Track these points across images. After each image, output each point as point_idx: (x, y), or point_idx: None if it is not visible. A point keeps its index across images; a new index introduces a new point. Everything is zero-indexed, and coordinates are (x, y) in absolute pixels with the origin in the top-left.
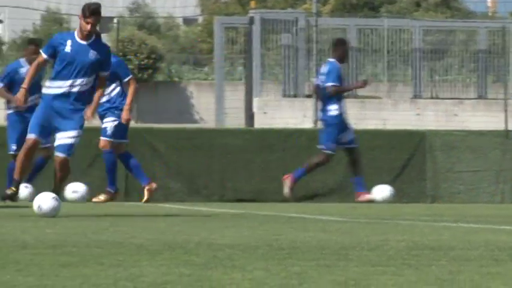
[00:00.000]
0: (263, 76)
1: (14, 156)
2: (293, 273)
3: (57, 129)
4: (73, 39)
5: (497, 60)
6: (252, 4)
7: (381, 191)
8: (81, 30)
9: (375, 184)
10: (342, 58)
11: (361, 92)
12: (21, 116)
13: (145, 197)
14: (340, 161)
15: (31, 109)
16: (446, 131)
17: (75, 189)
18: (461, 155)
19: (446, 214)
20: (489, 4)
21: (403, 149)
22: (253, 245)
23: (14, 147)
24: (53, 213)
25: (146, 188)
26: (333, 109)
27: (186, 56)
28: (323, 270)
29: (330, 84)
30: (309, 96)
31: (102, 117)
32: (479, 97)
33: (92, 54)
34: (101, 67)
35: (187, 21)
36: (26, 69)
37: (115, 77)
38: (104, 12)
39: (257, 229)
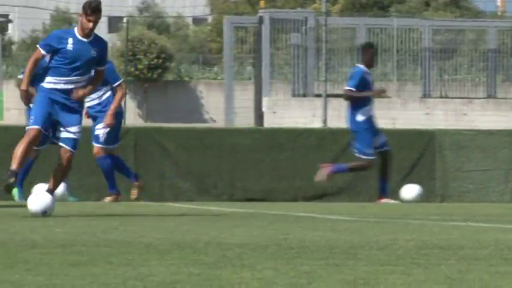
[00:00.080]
0: (272, 76)
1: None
2: (302, 272)
3: (61, 124)
4: (74, 36)
5: (507, 60)
6: (262, 4)
7: (410, 191)
8: (82, 27)
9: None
10: (369, 63)
11: None
12: None
13: (134, 195)
14: (350, 160)
15: None
16: (456, 131)
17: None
18: (470, 154)
19: (456, 213)
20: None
21: (413, 148)
22: (262, 244)
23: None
24: (46, 212)
25: (136, 184)
26: (360, 114)
27: (196, 56)
28: (332, 270)
29: (346, 88)
30: (318, 95)
31: (93, 119)
32: (489, 96)
33: (94, 52)
34: (99, 63)
35: (197, 20)
36: None
37: (106, 81)
38: (114, 12)
39: (266, 228)
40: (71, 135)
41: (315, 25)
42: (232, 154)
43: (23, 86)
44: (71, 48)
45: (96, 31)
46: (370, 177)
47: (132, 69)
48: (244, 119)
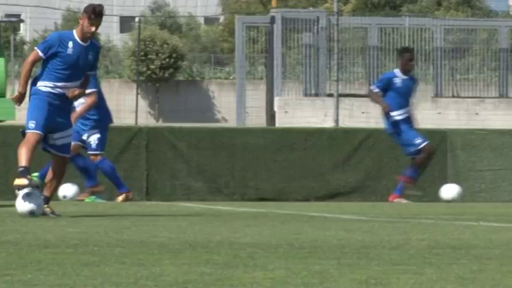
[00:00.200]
0: (284, 75)
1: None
2: (314, 272)
3: (56, 128)
4: (74, 40)
5: None
6: (274, 3)
7: (449, 190)
8: (82, 31)
9: (396, 183)
10: (404, 67)
11: None
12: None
13: (84, 197)
14: (362, 159)
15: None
16: (468, 130)
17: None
18: (482, 154)
19: (468, 213)
20: (510, 3)
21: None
22: (274, 244)
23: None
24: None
25: (91, 190)
26: (394, 115)
27: (208, 55)
28: (344, 269)
29: (370, 87)
30: (330, 95)
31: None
32: (501, 96)
33: (91, 57)
34: (91, 67)
35: (209, 20)
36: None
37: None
38: (126, 12)
39: (278, 228)
40: (66, 141)
41: (326, 25)
42: (244, 154)
43: (21, 89)
44: (71, 53)
45: (108, 31)
46: (381, 177)
47: (144, 68)
48: (256, 119)
